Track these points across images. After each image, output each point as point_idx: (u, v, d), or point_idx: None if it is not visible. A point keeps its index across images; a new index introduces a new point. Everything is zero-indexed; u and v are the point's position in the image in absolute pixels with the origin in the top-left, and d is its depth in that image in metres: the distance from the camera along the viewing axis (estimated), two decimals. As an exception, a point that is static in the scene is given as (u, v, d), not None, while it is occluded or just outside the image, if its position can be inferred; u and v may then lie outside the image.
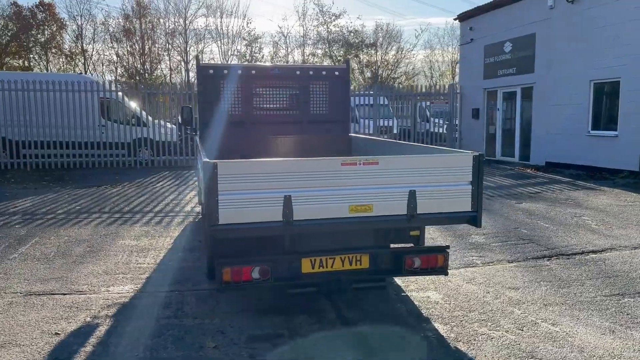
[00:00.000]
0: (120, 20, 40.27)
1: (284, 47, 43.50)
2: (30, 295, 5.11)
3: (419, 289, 5.30)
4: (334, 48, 43.32)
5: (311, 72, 7.31)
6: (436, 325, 4.43)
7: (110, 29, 40.31)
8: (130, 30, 39.97)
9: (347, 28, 42.69)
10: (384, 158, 4.04)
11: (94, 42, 41.10)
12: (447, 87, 20.38)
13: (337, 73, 7.38)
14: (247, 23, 41.43)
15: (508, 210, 9.15)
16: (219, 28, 40.79)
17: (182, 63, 40.46)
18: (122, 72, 40.85)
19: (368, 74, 45.19)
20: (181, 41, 40.07)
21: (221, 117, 7.05)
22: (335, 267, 4.37)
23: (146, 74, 38.53)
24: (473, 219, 4.20)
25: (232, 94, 7.06)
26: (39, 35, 40.70)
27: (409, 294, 5.18)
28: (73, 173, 14.82)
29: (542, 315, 4.59)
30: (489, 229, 7.83)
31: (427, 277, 5.61)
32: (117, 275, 5.74)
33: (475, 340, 4.11)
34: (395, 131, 20.02)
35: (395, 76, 45.36)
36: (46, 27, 40.77)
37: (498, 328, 4.33)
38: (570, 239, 7.13)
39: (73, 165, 15.99)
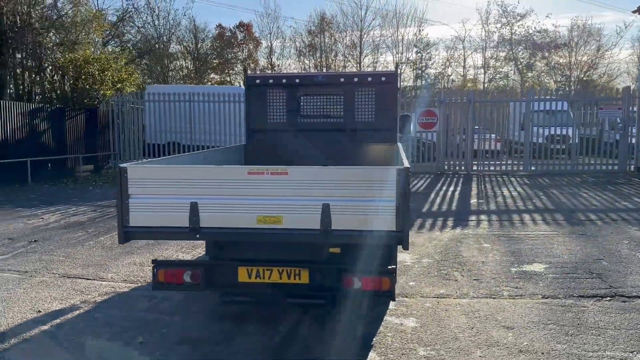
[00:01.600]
0: (305, 36, 43.18)
1: (461, 52, 41.95)
2: (62, 277, 5.97)
3: (401, 315, 4.81)
4: (518, 50, 40.36)
5: (356, 79, 7.07)
6: (371, 354, 4.01)
7: (297, 44, 43.55)
8: (314, 45, 42.61)
9: (534, 28, 39.44)
10: (294, 168, 3.81)
11: (282, 57, 44.84)
12: (621, 90, 17.55)
13: (383, 79, 7.02)
14: (419, 30, 40.72)
15: (614, 238, 7.61)
16: (394, 37, 41.05)
17: (358, 73, 41.80)
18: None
19: (558, 77, 41.08)
20: (357, 53, 41.40)
21: (267, 125, 7.26)
22: (272, 278, 4.25)
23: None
24: (399, 240, 3.70)
25: (277, 102, 7.22)
26: (239, 53, 45.90)
27: (386, 318, 4.74)
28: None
29: (502, 363, 3.82)
30: (565, 257, 6.64)
31: (425, 304, 5.08)
32: (146, 268, 6.33)
33: (388, 377, 3.63)
34: (575, 141, 17.79)
35: (592, 78, 40.38)
36: (245, 45, 45.76)
37: (432, 369, 3.75)
38: (654, 278, 5.70)
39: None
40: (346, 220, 3.74)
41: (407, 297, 5.33)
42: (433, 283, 5.76)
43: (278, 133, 7.26)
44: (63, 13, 18.85)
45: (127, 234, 3.97)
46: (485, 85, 41.14)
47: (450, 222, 9.05)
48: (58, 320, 4.66)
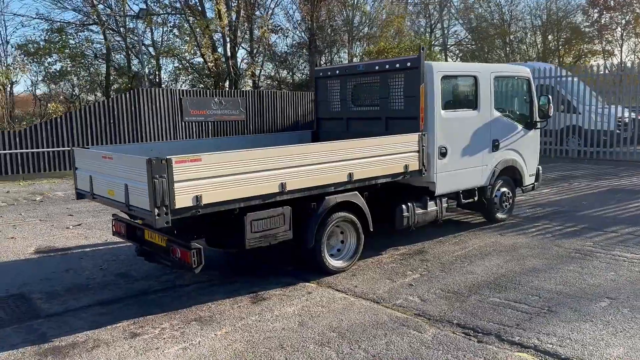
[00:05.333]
0: None
1: None
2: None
3: (254, 296, 5.18)
4: None
5: (387, 66, 6.71)
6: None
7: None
8: None
9: None
10: (115, 155, 4.95)
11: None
12: None
13: (409, 64, 6.45)
14: None
15: None
16: None
17: None
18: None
19: None
20: None
21: (328, 114, 7.76)
22: (154, 240, 5.48)
23: None
24: (149, 217, 4.43)
25: (334, 92, 7.58)
26: (619, 16, 39.58)
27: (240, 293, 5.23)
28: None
29: None
30: (586, 289, 4.98)
31: (307, 290, 5.24)
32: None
33: (131, 327, 4.49)
34: None
35: None
36: (628, 7, 39.09)
37: None
38: None
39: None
40: (134, 198, 4.70)
41: (311, 282, 5.48)
42: (369, 278, 5.57)
43: (335, 121, 7.70)
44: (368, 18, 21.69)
45: (78, 194, 5.95)
46: None
47: (571, 229, 7.31)
48: (93, 249, 7.05)
